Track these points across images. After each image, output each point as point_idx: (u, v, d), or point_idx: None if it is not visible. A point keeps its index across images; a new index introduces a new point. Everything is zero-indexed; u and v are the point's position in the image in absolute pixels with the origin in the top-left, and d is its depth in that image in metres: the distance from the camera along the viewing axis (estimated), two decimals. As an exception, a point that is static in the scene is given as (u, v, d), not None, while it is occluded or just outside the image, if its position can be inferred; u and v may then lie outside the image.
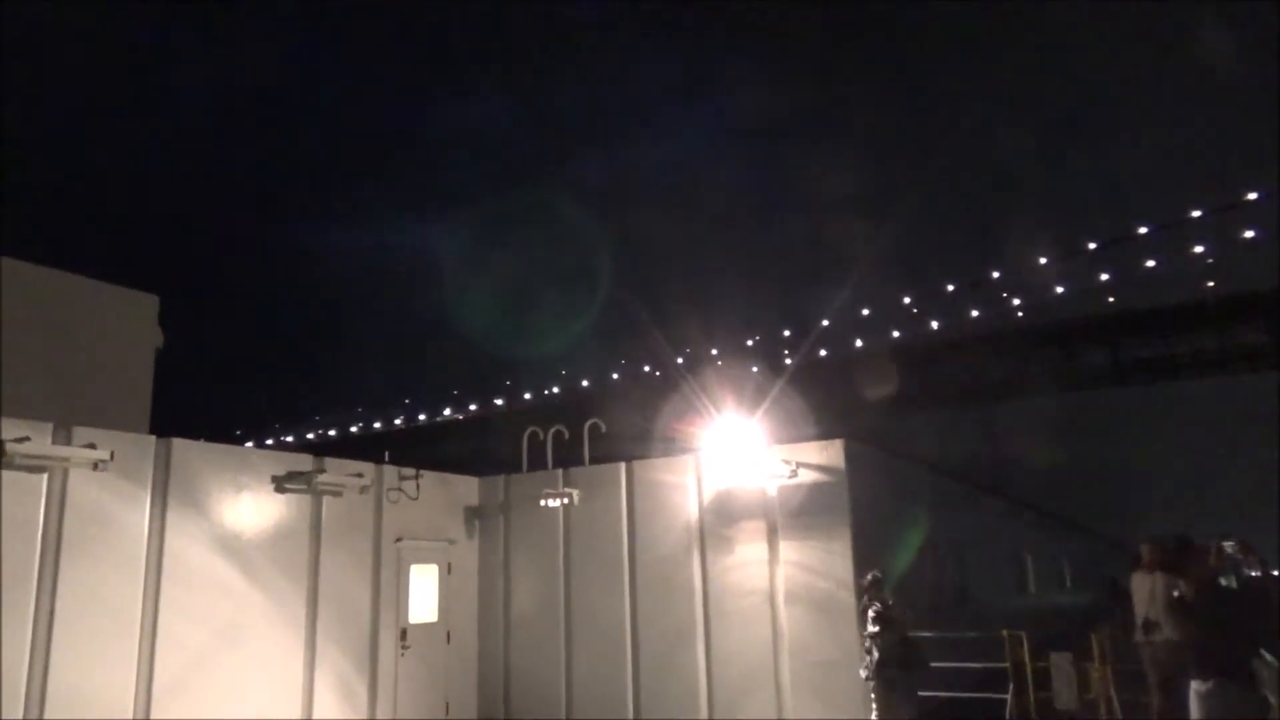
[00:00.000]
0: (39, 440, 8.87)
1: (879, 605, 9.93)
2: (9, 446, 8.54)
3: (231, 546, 10.56)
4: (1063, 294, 53.46)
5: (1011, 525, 22.30)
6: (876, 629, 9.79)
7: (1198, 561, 8.43)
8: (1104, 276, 52.15)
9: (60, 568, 8.94)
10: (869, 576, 10.22)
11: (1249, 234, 48.72)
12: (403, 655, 12.32)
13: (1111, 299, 51.91)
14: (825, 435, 11.82)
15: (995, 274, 56.65)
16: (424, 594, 12.95)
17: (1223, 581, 7.86)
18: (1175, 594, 8.71)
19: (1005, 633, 10.19)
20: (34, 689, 8.57)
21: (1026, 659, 9.99)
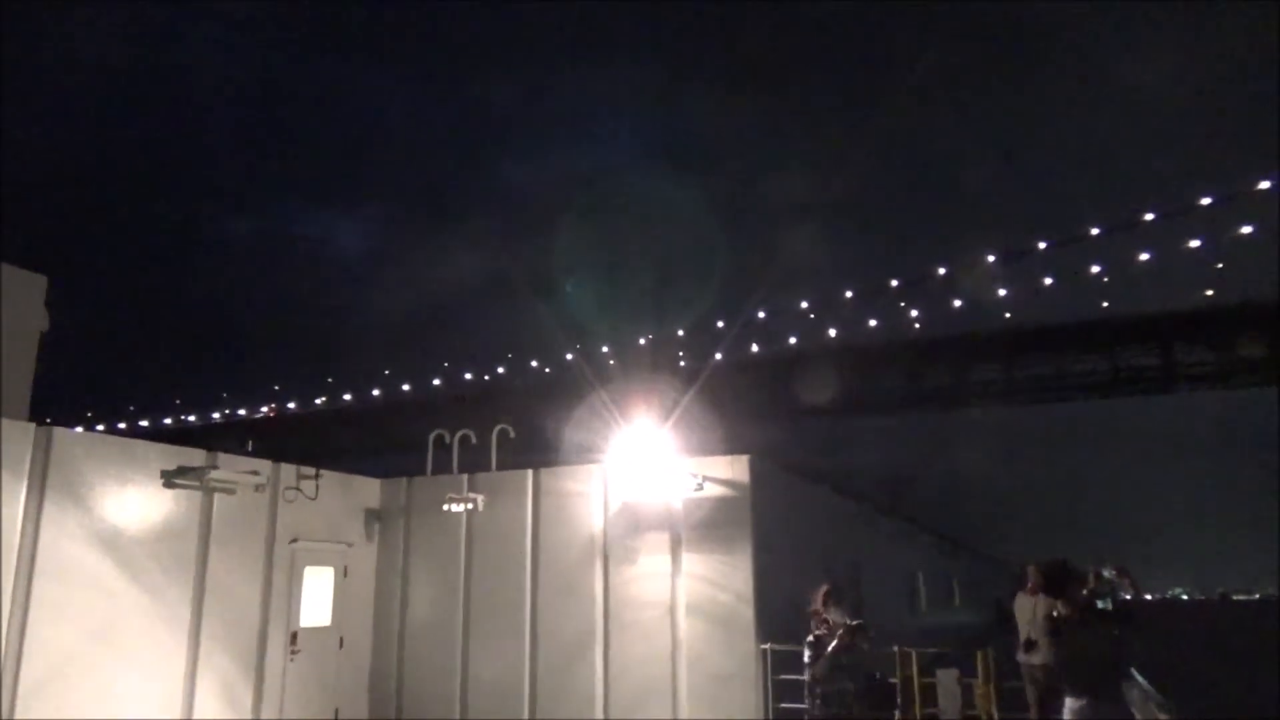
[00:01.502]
0: (-96, 423, 8.31)
1: (838, 631, 7.79)
2: None
3: (112, 543, 10.07)
4: (1005, 299, 52.53)
5: (906, 545, 22.97)
6: (826, 664, 7.70)
7: (1077, 585, 8.82)
8: (1047, 280, 51.55)
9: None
10: (821, 590, 8.28)
11: (1194, 243, 48.64)
12: (292, 659, 11.94)
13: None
14: (732, 448, 11.96)
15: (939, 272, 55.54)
16: (318, 597, 12.59)
17: (1099, 604, 8.24)
18: (1054, 615, 9.10)
19: (895, 649, 10.46)
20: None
21: (915, 675, 10.28)
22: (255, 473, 11.57)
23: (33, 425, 9.79)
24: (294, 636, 12.03)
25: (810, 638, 8.00)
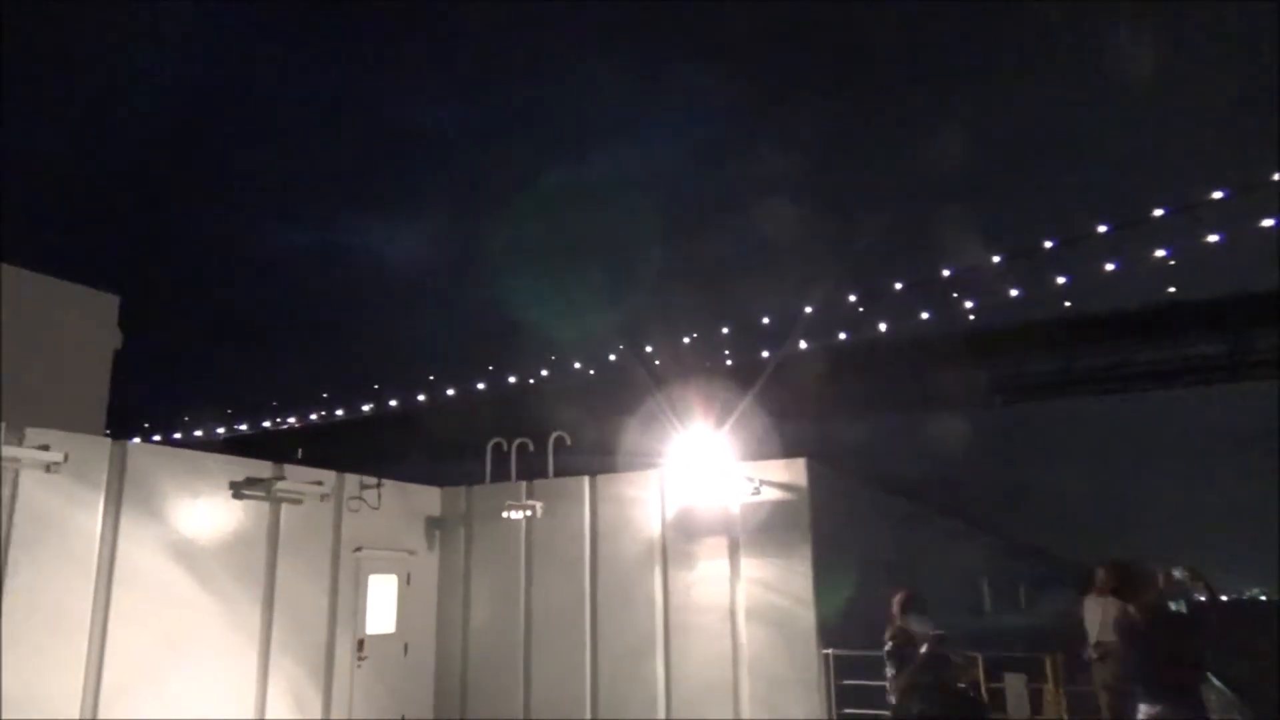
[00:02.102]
0: (-11, 440, 8.66)
1: (920, 644, 7.04)
2: (-42, 446, 8.33)
3: (185, 553, 10.38)
4: (1016, 297, 50.88)
5: (967, 546, 22.59)
6: (905, 680, 6.98)
7: (1148, 587, 8.59)
8: (1060, 280, 49.81)
9: (6, 569, 8.74)
10: (899, 596, 7.53)
11: (1212, 238, 46.82)
12: (359, 666, 12.17)
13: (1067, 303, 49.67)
14: (788, 451, 11.90)
15: (945, 273, 53.83)
16: (382, 605, 12.81)
17: (1172, 607, 8.01)
18: (1125, 618, 8.88)
19: (961, 654, 10.29)
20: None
21: (981, 680, 10.10)
22: (319, 483, 11.85)
23: (109, 440, 10.14)
24: (360, 644, 12.25)
25: (887, 646, 7.26)
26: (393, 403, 71.09)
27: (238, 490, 11.10)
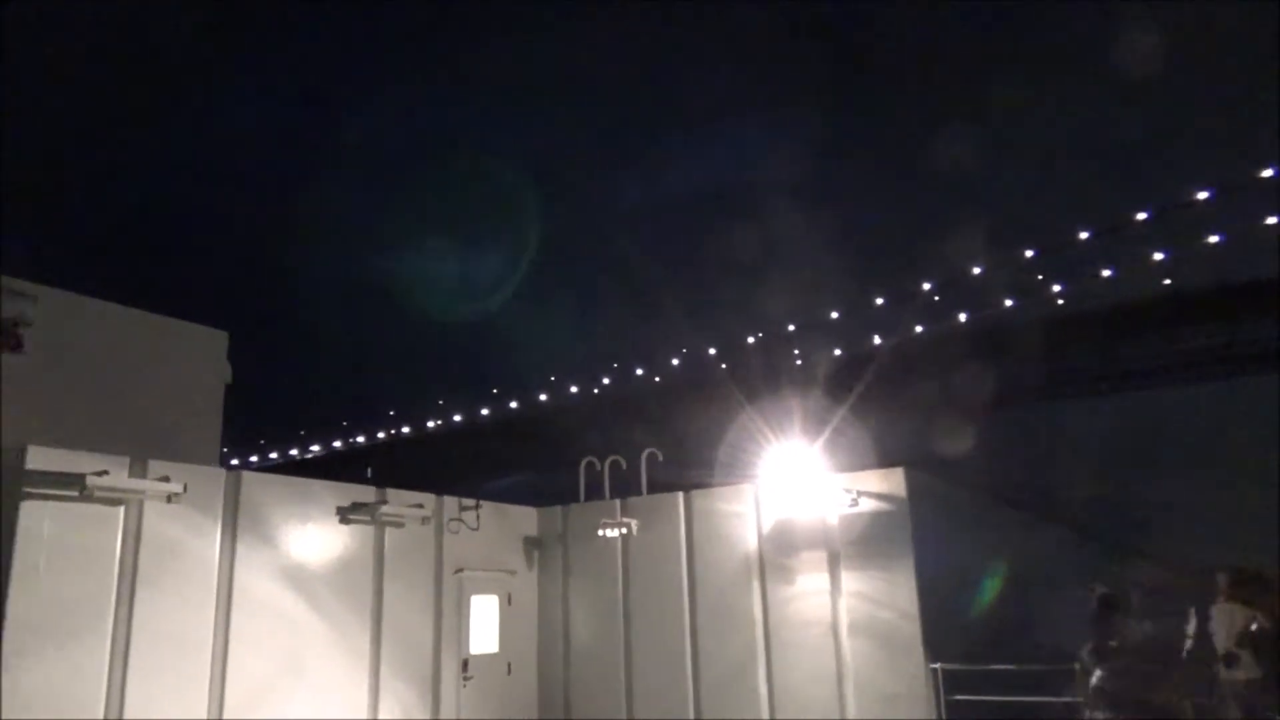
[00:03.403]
0: (116, 474, 9.14)
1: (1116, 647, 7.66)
2: (89, 480, 8.82)
3: (297, 577, 10.75)
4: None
5: (1074, 553, 21.72)
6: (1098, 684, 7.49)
7: (1271, 594, 8.23)
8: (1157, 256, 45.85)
9: (135, 597, 9.18)
10: (1097, 594, 8.43)
11: None
12: (465, 686, 12.37)
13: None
14: (884, 460, 11.68)
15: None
16: (485, 625, 13.00)
17: None
18: (1253, 627, 8.49)
19: (1077, 665, 9.90)
20: (111, 713, 8.79)
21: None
22: (420, 506, 12.14)
23: (223, 470, 10.60)
24: (465, 664, 12.45)
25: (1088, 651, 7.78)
26: (456, 418, 70.86)
27: (343, 515, 11.45)
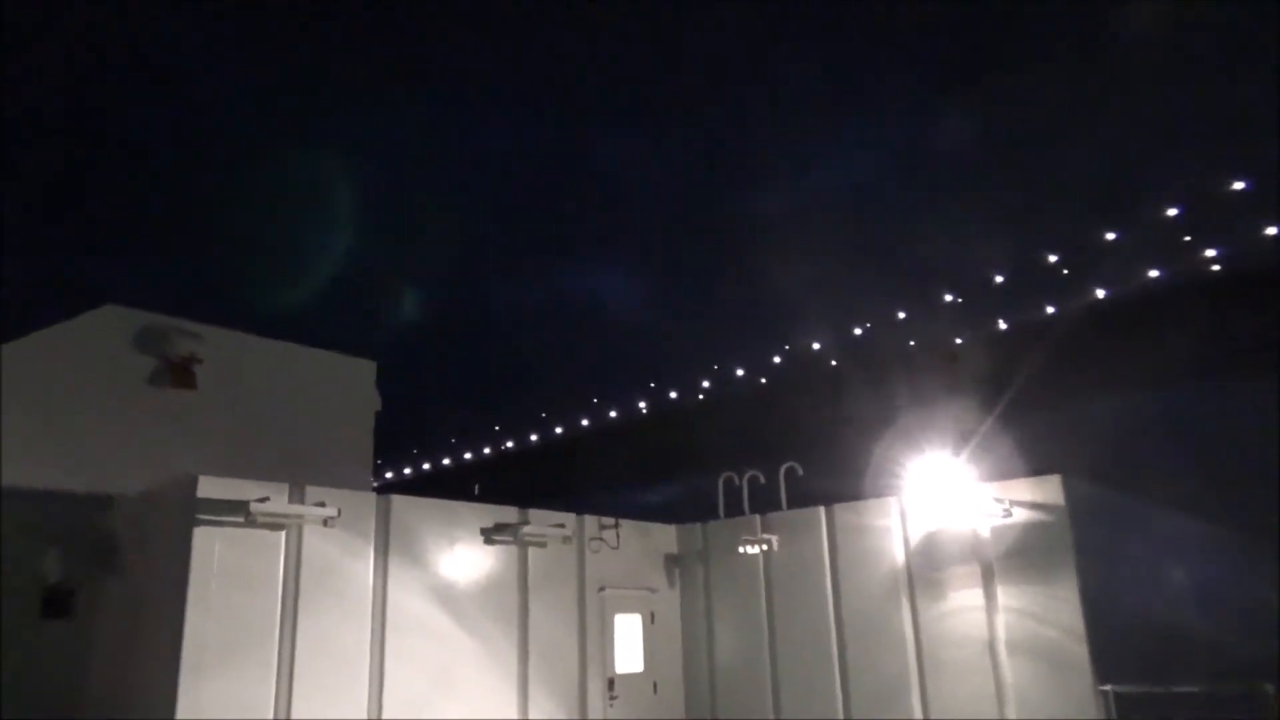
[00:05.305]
0: (277, 500, 9.72)
1: None
2: (252, 506, 9.41)
3: (446, 596, 11.10)
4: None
5: (1260, 562, 19.80)
6: None
7: None
8: None
9: (299, 615, 9.71)
10: None
11: None
12: (611, 705, 12.41)
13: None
14: (1037, 468, 11.00)
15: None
16: (629, 643, 13.03)
17: None
18: None
19: (1269, 686, 9.00)
20: (279, 730, 9.30)
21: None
22: (561, 525, 12.32)
23: (375, 494, 11.10)
24: (610, 683, 12.51)
25: None
26: (558, 430, 70.64)
27: (488, 536, 11.77)
